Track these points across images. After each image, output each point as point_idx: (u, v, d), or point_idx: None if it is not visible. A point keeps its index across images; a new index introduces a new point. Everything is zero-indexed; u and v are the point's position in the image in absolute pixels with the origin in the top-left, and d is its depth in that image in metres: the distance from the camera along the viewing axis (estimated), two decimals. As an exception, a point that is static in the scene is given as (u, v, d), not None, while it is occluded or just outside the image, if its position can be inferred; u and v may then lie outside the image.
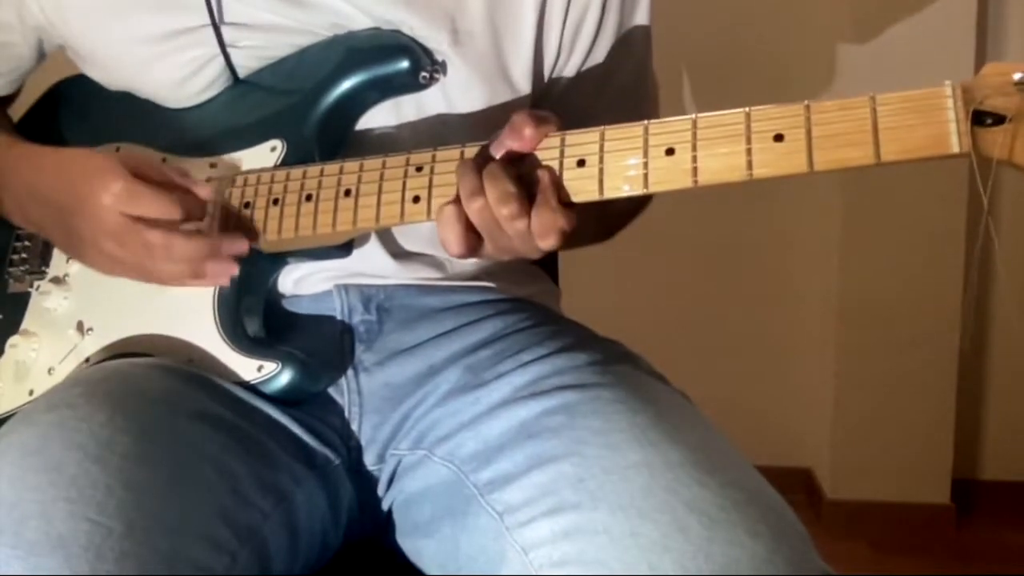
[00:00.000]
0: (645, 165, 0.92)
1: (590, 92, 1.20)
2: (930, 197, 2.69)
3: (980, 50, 2.66)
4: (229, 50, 1.12)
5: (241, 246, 1.07)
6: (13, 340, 1.19)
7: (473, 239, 0.97)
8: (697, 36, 2.69)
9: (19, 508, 0.83)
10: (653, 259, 2.77)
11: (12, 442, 0.91)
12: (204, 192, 1.07)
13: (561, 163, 0.95)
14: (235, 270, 1.07)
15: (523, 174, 0.96)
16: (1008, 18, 2.77)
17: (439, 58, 1.10)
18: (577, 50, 1.18)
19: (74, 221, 1.07)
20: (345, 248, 1.09)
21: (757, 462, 0.95)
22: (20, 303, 1.21)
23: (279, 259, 1.12)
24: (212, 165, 1.12)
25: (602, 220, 1.26)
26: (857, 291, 2.81)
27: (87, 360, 1.14)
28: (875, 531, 2.80)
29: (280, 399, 1.07)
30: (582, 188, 0.95)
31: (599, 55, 1.19)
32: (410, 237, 1.16)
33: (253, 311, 1.11)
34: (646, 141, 0.92)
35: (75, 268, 1.19)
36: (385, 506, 1.11)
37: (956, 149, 0.84)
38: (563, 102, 1.18)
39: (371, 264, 1.14)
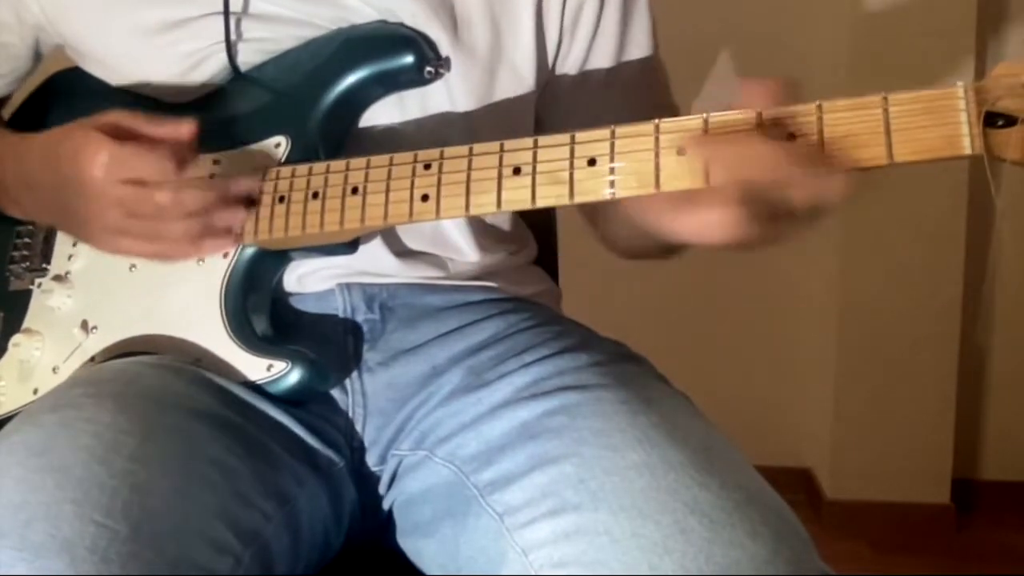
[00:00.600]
0: (656, 165, 0.92)
1: (599, 83, 1.20)
2: (930, 197, 2.69)
3: (980, 51, 2.66)
4: (233, 41, 1.11)
5: (251, 184, 1.06)
6: (16, 339, 1.18)
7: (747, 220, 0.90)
8: (697, 36, 2.69)
9: (25, 510, 0.83)
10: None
11: (17, 442, 0.91)
12: (186, 129, 1.05)
13: (571, 160, 0.95)
14: (244, 217, 1.06)
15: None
16: (1008, 18, 2.77)
17: (443, 51, 1.10)
18: (579, 38, 1.18)
19: (73, 203, 1.06)
20: (352, 245, 1.08)
21: (757, 462, 0.95)
22: (22, 301, 1.21)
23: (284, 256, 1.11)
24: (215, 162, 1.11)
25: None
26: (857, 291, 2.81)
27: (92, 359, 1.14)
28: (875, 531, 2.80)
29: (287, 399, 1.07)
30: (592, 188, 0.95)
31: (602, 47, 1.19)
32: (413, 235, 1.16)
33: (260, 309, 1.11)
34: (657, 141, 0.92)
35: (77, 266, 1.18)
36: (386, 506, 1.11)
37: (968, 151, 0.83)
38: (573, 95, 1.19)
39: (374, 263, 1.14)
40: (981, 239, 2.82)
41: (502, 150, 0.98)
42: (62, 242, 1.21)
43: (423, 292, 1.16)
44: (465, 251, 1.18)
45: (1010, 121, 0.82)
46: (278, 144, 1.10)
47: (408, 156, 1.01)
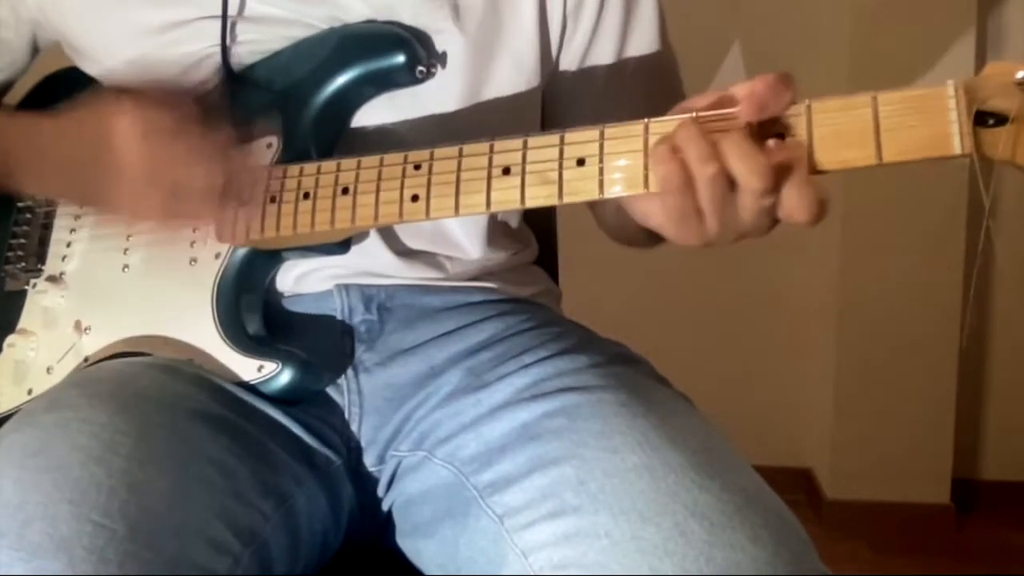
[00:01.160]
0: (646, 164, 0.91)
1: (603, 75, 1.20)
2: (930, 198, 2.69)
3: (980, 49, 2.66)
4: (228, 44, 1.11)
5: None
6: (11, 339, 1.19)
7: (694, 219, 0.89)
8: (697, 35, 2.69)
9: (23, 510, 0.83)
10: (653, 259, 2.76)
11: (14, 443, 0.91)
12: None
13: (560, 160, 0.95)
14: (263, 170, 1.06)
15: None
16: (1008, 18, 2.77)
17: (444, 41, 1.10)
18: (582, 24, 1.17)
19: (97, 163, 1.04)
20: (344, 245, 1.08)
21: (757, 462, 0.95)
22: (16, 302, 1.21)
23: (277, 256, 1.11)
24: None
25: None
26: (857, 291, 2.81)
27: (86, 359, 1.14)
28: (875, 531, 2.80)
29: (280, 399, 1.07)
30: (582, 188, 0.94)
31: (607, 34, 1.18)
32: (412, 236, 1.16)
33: (252, 309, 1.11)
34: (646, 141, 0.91)
35: (71, 266, 1.18)
36: (385, 507, 1.11)
37: (958, 150, 0.83)
38: (574, 93, 1.19)
39: (372, 263, 1.14)
40: (983, 257, 2.83)
41: (492, 151, 0.97)
42: (57, 243, 1.21)
43: (422, 293, 1.16)
44: (467, 248, 1.18)
45: (1000, 120, 0.82)
46: (269, 144, 1.10)
47: (398, 156, 1.01)
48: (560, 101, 1.21)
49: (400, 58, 1.08)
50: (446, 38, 1.11)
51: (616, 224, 1.21)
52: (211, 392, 1.04)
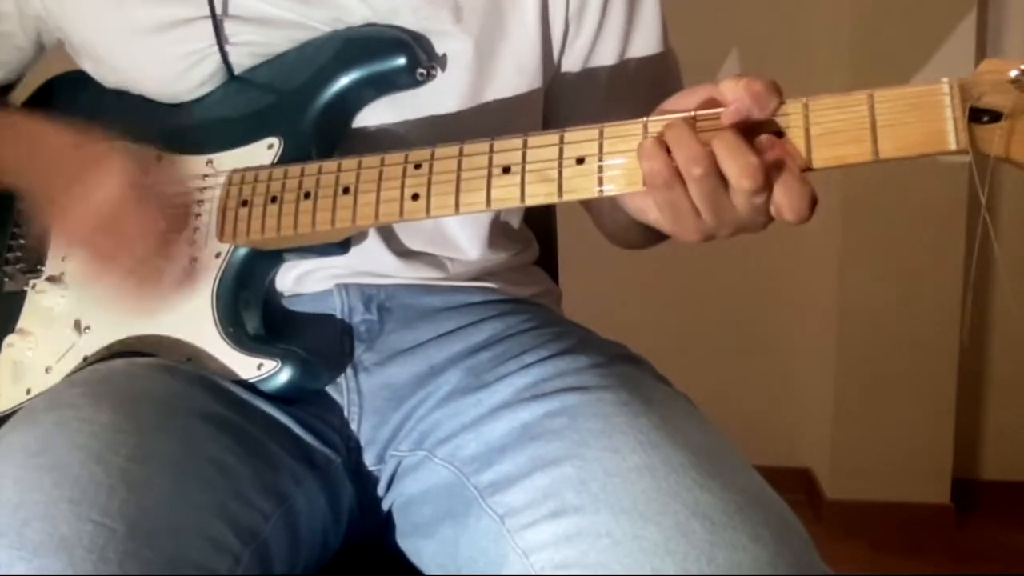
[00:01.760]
0: None
1: (604, 82, 1.20)
2: (930, 198, 2.69)
3: (980, 51, 2.66)
4: (225, 44, 1.12)
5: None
6: (9, 339, 1.19)
7: (688, 214, 0.91)
8: (697, 34, 2.69)
9: (23, 509, 0.83)
10: (653, 259, 2.76)
11: (14, 442, 0.91)
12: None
13: (560, 159, 0.95)
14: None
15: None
16: (1008, 17, 2.77)
17: (446, 43, 1.10)
18: (585, 28, 1.17)
19: (73, 185, 1.07)
20: (343, 245, 1.09)
21: (757, 462, 0.95)
22: (16, 302, 1.21)
23: (277, 256, 1.11)
24: (208, 162, 1.12)
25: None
26: (857, 291, 2.80)
27: (85, 359, 1.14)
28: (875, 531, 2.80)
29: (279, 397, 1.07)
30: (581, 186, 0.95)
31: (610, 37, 1.18)
32: (412, 236, 1.16)
33: (252, 308, 1.11)
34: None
35: (71, 266, 1.18)
36: (385, 507, 1.11)
37: (953, 146, 0.83)
38: (576, 94, 1.19)
39: (373, 263, 1.14)
40: (980, 245, 2.82)
41: (492, 150, 0.98)
42: (56, 243, 1.21)
43: (421, 293, 1.16)
44: (466, 249, 1.18)
45: (995, 117, 0.82)
46: (271, 145, 1.10)
47: (399, 156, 1.01)
48: (562, 102, 1.21)
49: (401, 60, 1.08)
50: (448, 40, 1.11)
51: (614, 224, 1.22)
52: (211, 391, 1.04)
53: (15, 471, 0.87)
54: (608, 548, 0.85)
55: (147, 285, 1.08)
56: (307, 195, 1.05)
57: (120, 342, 1.13)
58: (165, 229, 1.06)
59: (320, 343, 1.12)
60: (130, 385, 1.00)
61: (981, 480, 3.04)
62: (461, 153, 0.99)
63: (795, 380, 3.00)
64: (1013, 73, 0.81)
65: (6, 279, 1.23)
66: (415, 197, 1.00)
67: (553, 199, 0.95)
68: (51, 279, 1.19)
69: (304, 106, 1.10)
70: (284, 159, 1.09)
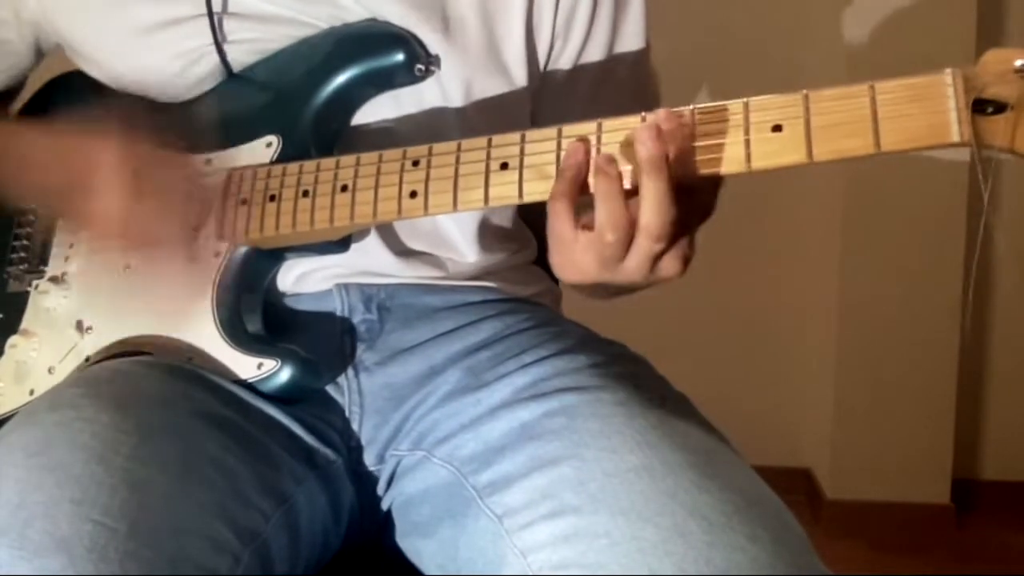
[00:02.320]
0: None
1: (589, 86, 1.20)
2: (930, 197, 2.70)
3: (980, 52, 2.66)
4: (223, 42, 1.12)
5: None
6: (13, 340, 1.18)
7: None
8: (696, 27, 2.69)
9: (24, 509, 0.83)
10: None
11: (16, 442, 0.90)
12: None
13: (558, 154, 0.95)
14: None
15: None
16: (1008, 18, 2.78)
17: (432, 50, 1.10)
18: (571, 41, 1.18)
19: (76, 176, 1.06)
20: (343, 243, 1.09)
21: (757, 462, 0.95)
22: (19, 303, 1.21)
23: (277, 255, 1.11)
24: (207, 161, 1.12)
25: None
26: (857, 291, 2.81)
27: (87, 359, 1.14)
28: (875, 531, 2.81)
29: (280, 397, 1.07)
30: None
31: (595, 48, 1.19)
32: (412, 235, 1.16)
33: (252, 308, 1.11)
34: None
35: (74, 267, 1.19)
36: (385, 506, 1.11)
37: (957, 138, 0.83)
38: (563, 97, 1.18)
39: (373, 262, 1.14)
40: (981, 242, 2.83)
41: (490, 145, 0.98)
42: (59, 244, 1.21)
43: (421, 292, 1.16)
44: (464, 251, 1.18)
45: (999, 108, 0.82)
46: (269, 143, 1.10)
47: (397, 153, 1.01)
48: (549, 104, 1.21)
49: (399, 56, 1.08)
50: (434, 50, 1.11)
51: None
52: (212, 392, 1.04)
53: (16, 471, 0.87)
54: (606, 548, 0.85)
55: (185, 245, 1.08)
56: (305, 193, 1.05)
57: (121, 342, 1.12)
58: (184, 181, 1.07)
59: (320, 343, 1.12)
60: (131, 385, 1.00)
61: (981, 480, 3.05)
62: (459, 149, 0.99)
63: (795, 380, 3.00)
64: (1018, 63, 0.81)
65: (9, 280, 1.23)
66: (413, 195, 1.00)
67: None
68: (53, 279, 1.19)
69: (303, 104, 1.10)
70: (283, 157, 1.09)
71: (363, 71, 1.09)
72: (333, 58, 1.10)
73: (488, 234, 1.21)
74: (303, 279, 1.15)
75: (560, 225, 0.94)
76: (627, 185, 0.91)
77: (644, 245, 0.91)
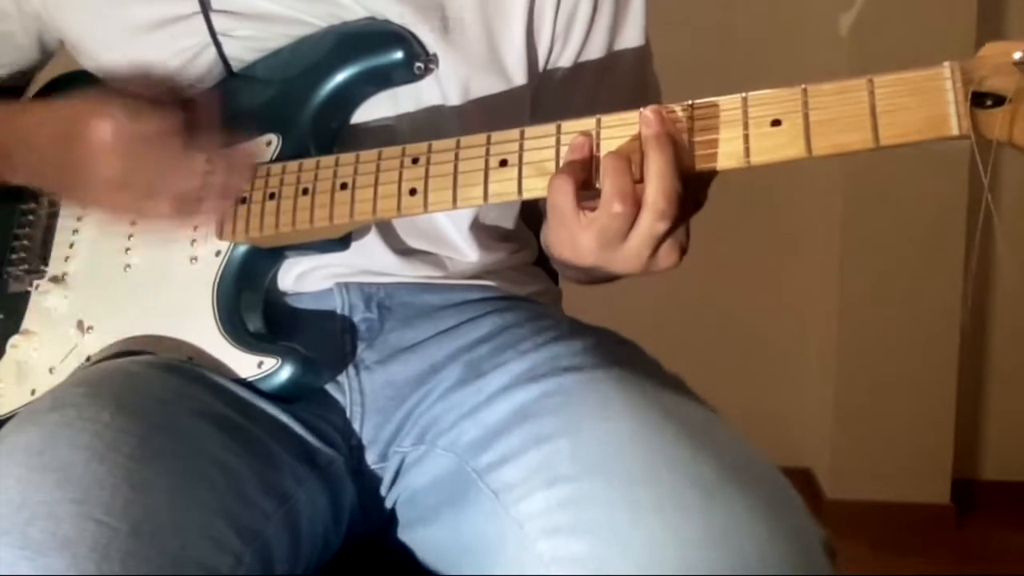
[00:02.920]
0: (641, 152, 0.91)
1: (589, 86, 1.20)
2: (930, 197, 2.70)
3: (980, 36, 2.67)
4: (221, 40, 1.12)
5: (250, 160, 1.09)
6: (14, 340, 1.18)
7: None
8: (696, 26, 2.70)
9: (26, 508, 0.83)
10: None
11: (17, 442, 0.90)
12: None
13: (557, 151, 0.95)
14: (250, 173, 1.08)
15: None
16: (1008, 18, 2.78)
17: (431, 49, 1.10)
18: (571, 41, 1.18)
19: (75, 155, 1.07)
20: (343, 241, 1.09)
21: (757, 462, 0.95)
22: (20, 303, 1.21)
23: (277, 253, 1.11)
24: (208, 160, 1.12)
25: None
26: (857, 291, 2.81)
27: (88, 359, 1.14)
28: (875, 531, 2.80)
29: (280, 396, 1.07)
30: None
31: (595, 48, 1.19)
32: (412, 234, 1.16)
33: (253, 307, 1.11)
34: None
35: (74, 267, 1.19)
36: (389, 504, 1.11)
37: (956, 131, 0.83)
38: (561, 96, 1.19)
39: (373, 261, 1.14)
40: (981, 239, 2.83)
41: (489, 142, 0.98)
42: (59, 244, 1.22)
43: (421, 291, 1.17)
44: (464, 250, 1.18)
45: (998, 100, 0.82)
46: (269, 142, 1.11)
47: (396, 150, 1.02)
48: (546, 102, 1.20)
49: (398, 55, 1.08)
50: (433, 49, 1.11)
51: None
52: (213, 391, 1.04)
53: (18, 471, 0.87)
54: (602, 513, 0.85)
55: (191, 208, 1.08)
56: (305, 191, 1.05)
57: (123, 341, 1.12)
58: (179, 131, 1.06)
59: (321, 342, 1.12)
60: (132, 384, 1.00)
61: (981, 480, 3.05)
62: (458, 146, 0.99)
63: (795, 380, 3.00)
64: (1017, 55, 0.81)
65: (10, 280, 1.23)
66: (412, 192, 1.00)
67: None
68: (54, 279, 1.19)
69: (302, 102, 1.10)
70: (283, 156, 1.09)
71: (362, 70, 1.09)
72: (332, 57, 1.10)
73: (488, 234, 1.21)
74: (303, 278, 1.15)
75: (563, 200, 0.93)
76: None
77: (648, 223, 0.91)
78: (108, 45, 1.17)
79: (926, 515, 2.87)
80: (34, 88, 1.31)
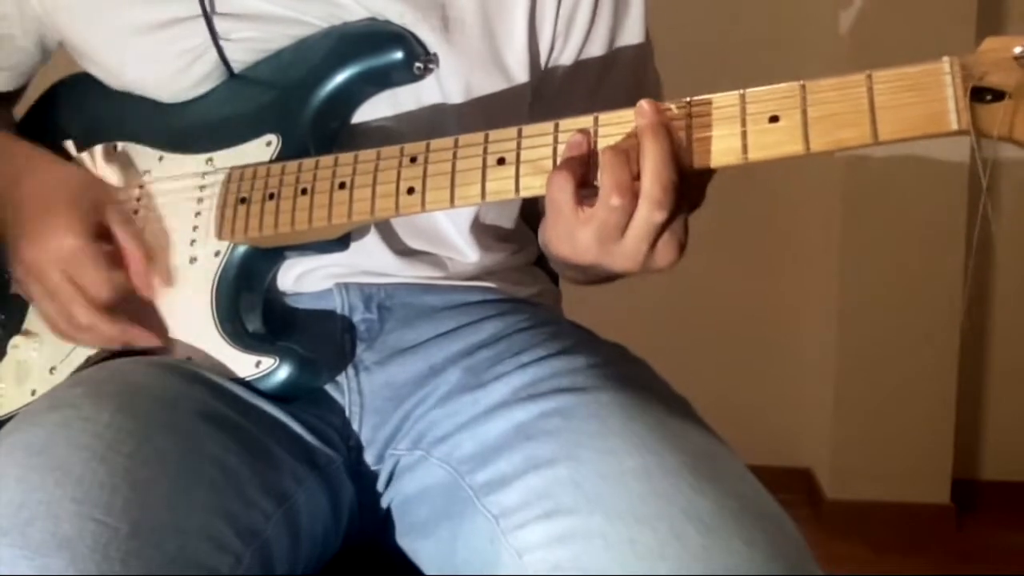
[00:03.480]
0: (638, 150, 0.91)
1: (589, 84, 1.20)
2: (930, 198, 2.70)
3: (980, 31, 2.67)
4: (222, 42, 1.12)
5: (149, 340, 1.10)
6: (15, 341, 1.18)
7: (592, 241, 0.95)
8: (696, 25, 2.70)
9: (26, 508, 0.83)
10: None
11: (17, 442, 0.90)
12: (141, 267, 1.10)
13: (555, 149, 0.95)
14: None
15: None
16: (1008, 18, 2.78)
17: (431, 49, 1.10)
18: (572, 40, 1.18)
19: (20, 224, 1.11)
20: (343, 241, 1.09)
21: (757, 462, 0.95)
22: (21, 303, 1.21)
23: (277, 254, 1.11)
24: (209, 160, 1.13)
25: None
26: (857, 291, 2.81)
27: (88, 359, 1.13)
28: (875, 531, 2.81)
29: (278, 396, 1.07)
30: None
31: (596, 46, 1.19)
32: (412, 235, 1.16)
33: (252, 307, 1.11)
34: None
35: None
36: (384, 505, 1.11)
37: (955, 127, 0.82)
38: (562, 94, 1.18)
39: (373, 262, 1.14)
40: (981, 238, 2.83)
41: (487, 141, 0.98)
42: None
43: (421, 292, 1.16)
44: (464, 251, 1.18)
45: (998, 96, 0.82)
46: (269, 142, 1.11)
47: (395, 150, 1.02)
48: (546, 101, 1.20)
49: (398, 55, 1.08)
50: (433, 49, 1.11)
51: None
52: (212, 391, 1.03)
53: (18, 471, 0.87)
54: (601, 550, 0.85)
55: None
56: (304, 191, 1.05)
57: (122, 341, 1.12)
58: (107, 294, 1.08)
59: (320, 342, 1.12)
60: (131, 384, 1.00)
61: (981, 480, 3.05)
62: (456, 145, 0.99)
63: (795, 380, 3.00)
64: (1017, 50, 0.81)
65: (11, 281, 1.23)
66: (411, 191, 1.00)
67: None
68: None
69: (302, 102, 1.10)
70: (283, 156, 1.09)
71: (362, 70, 1.09)
72: (332, 57, 1.10)
73: (488, 234, 1.21)
74: (303, 278, 1.15)
75: (562, 196, 0.93)
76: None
77: (645, 212, 0.90)
78: (108, 48, 1.17)
79: (926, 515, 2.87)
80: (33, 91, 1.31)
